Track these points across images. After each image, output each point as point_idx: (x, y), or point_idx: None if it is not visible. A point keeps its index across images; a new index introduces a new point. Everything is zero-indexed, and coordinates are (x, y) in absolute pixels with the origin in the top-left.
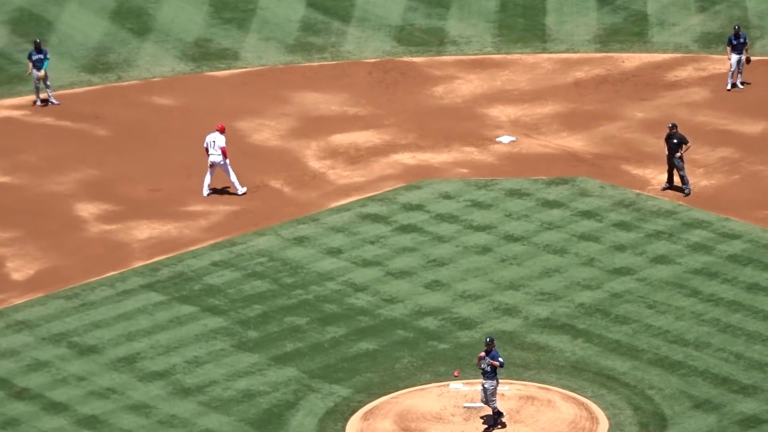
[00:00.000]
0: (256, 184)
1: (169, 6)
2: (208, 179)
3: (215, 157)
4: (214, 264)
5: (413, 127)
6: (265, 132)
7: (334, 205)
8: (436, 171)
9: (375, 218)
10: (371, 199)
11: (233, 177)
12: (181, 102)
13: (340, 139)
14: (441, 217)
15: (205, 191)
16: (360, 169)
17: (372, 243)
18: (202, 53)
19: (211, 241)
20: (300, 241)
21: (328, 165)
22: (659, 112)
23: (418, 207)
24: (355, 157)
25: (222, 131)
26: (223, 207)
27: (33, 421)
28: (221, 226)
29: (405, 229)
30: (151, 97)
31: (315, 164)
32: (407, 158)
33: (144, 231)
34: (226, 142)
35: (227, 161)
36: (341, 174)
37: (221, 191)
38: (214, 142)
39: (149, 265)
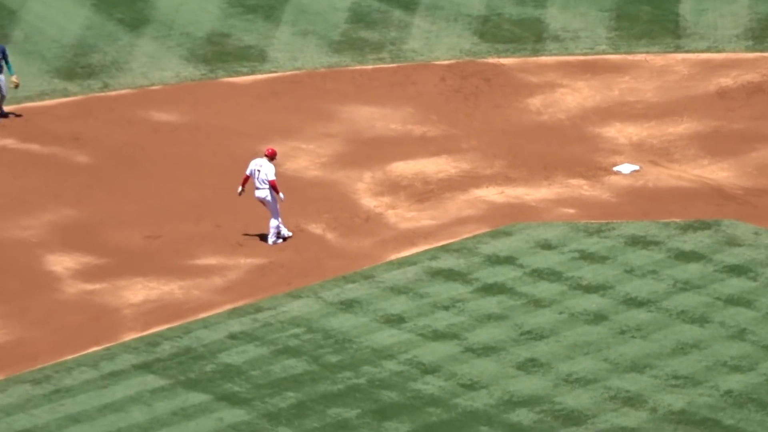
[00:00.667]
0: (291, 229)
1: None
2: (273, 222)
3: (262, 191)
4: (233, 337)
5: (501, 152)
6: (301, 159)
7: (394, 257)
8: (532, 211)
9: (450, 275)
10: (445, 249)
11: (275, 221)
12: (188, 118)
13: (403, 168)
14: (538, 274)
15: (272, 237)
16: (430, 209)
17: (446, 308)
18: (217, 53)
19: (229, 306)
20: (349, 305)
21: (386, 203)
22: None
23: (508, 260)
24: (423, 192)
25: (272, 157)
26: (244, 260)
27: None
28: (243, 286)
29: (490, 289)
30: (149, 111)
31: (369, 202)
32: (493, 194)
33: (138, 292)
34: (276, 173)
35: (276, 199)
36: (404, 215)
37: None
38: (258, 170)
39: (146, 338)
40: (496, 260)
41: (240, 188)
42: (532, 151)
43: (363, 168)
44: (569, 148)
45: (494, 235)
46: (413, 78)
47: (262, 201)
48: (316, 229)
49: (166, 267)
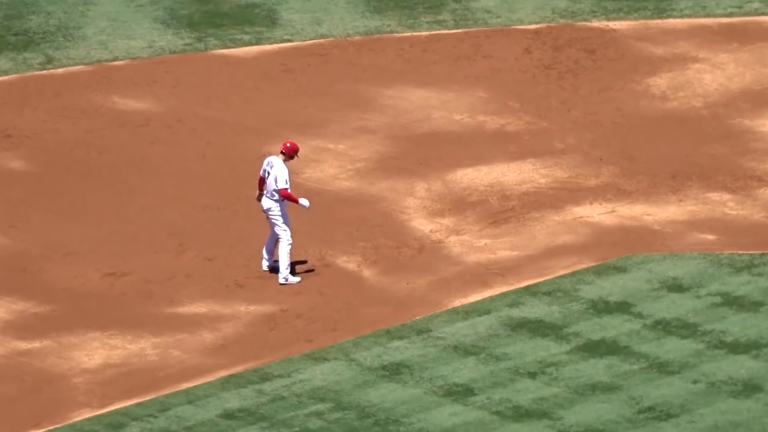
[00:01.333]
0: (312, 263)
1: None
2: (268, 240)
3: (267, 202)
4: (230, 416)
5: (611, 154)
6: (327, 164)
7: (459, 303)
8: (656, 238)
9: (538, 328)
10: (531, 291)
11: (284, 246)
12: (166, 107)
13: (472, 177)
14: (664, 327)
15: (264, 263)
16: (509, 235)
17: (532, 376)
18: (208, 14)
19: (224, 372)
20: (394, 371)
21: (447, 227)
22: None
23: (621, 307)
24: (501, 211)
25: (289, 155)
26: (246, 307)
27: None
28: (243, 344)
29: (595, 348)
30: (110, 97)
31: (423, 225)
32: (600, 214)
33: (95, 352)
34: (290, 179)
35: (281, 214)
36: (473, 244)
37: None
38: (268, 172)
39: (105, 417)
40: (603, 307)
41: (258, 193)
42: (654, 152)
43: (414, 177)
44: (708, 149)
45: (601, 271)
46: (486, 49)
47: (267, 214)
48: (348, 263)
49: (135, 317)
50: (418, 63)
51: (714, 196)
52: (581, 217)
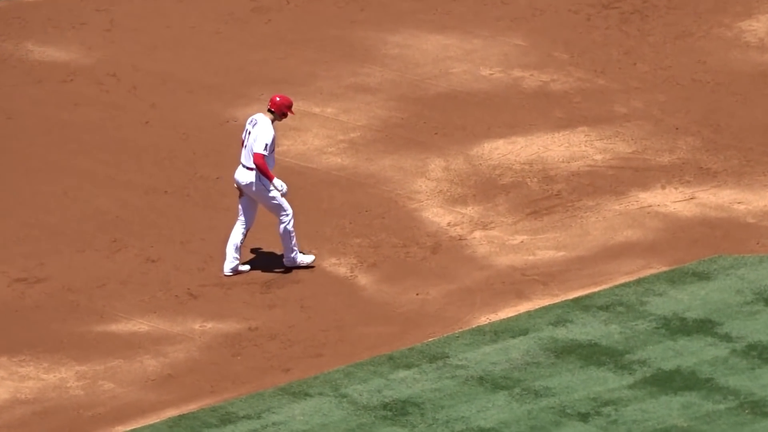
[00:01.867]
0: (290, 267)
1: None
2: (236, 232)
3: (243, 173)
4: None
5: (691, 122)
6: (312, 133)
7: (485, 319)
8: (750, 234)
9: (591, 354)
10: (582, 304)
11: (285, 227)
12: (96, 57)
13: (503, 151)
14: (760, 353)
15: (229, 264)
16: (553, 230)
17: (583, 417)
18: None
19: (173, 411)
20: (400, 411)
21: (471, 218)
22: None
23: (703, 326)
24: (542, 197)
25: (278, 112)
26: (202, 324)
27: None
28: (198, 374)
29: (668, 381)
30: (22, 43)
31: (438, 216)
32: (675, 201)
33: (2, 385)
34: (275, 142)
35: (274, 188)
36: (505, 242)
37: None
38: (249, 132)
39: None
40: (679, 327)
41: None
42: (748, 119)
43: (428, 151)
44: None
45: (676, 278)
46: None
47: (240, 189)
48: (338, 266)
49: (54, 337)
50: (434, 2)
51: None
52: (650, 205)
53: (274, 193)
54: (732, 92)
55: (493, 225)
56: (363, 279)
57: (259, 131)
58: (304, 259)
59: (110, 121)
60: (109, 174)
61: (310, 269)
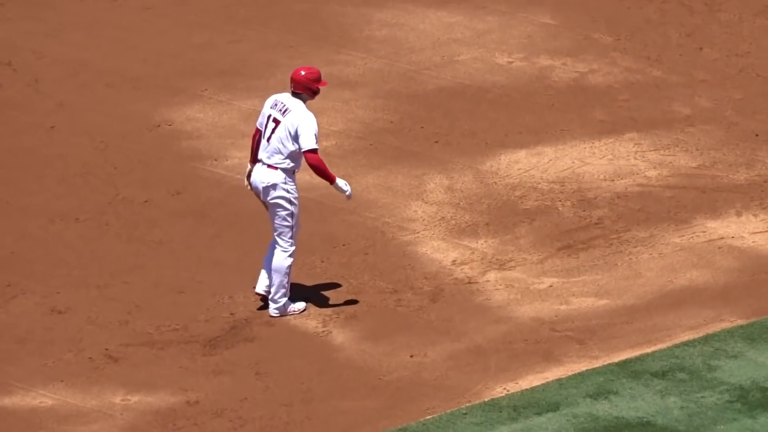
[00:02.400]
0: (244, 315)
1: None
2: (281, 260)
3: (265, 174)
4: None
5: None
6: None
7: (503, 390)
8: None
9: None
10: (630, 369)
11: (284, 259)
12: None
13: (526, 165)
14: None
15: (261, 284)
16: (593, 270)
17: None
18: None
19: None
20: None
21: (482, 254)
22: None
23: None
24: (578, 227)
25: (309, 88)
26: (124, 397)
27: None
28: None
29: None
30: None
31: (439, 252)
32: (754, 232)
33: None
34: (317, 139)
35: (338, 189)
36: (529, 285)
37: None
38: (275, 121)
39: None
40: (760, 400)
41: (249, 168)
42: None
43: (426, 165)
44: None
45: (756, 335)
46: None
47: (258, 194)
48: (306, 318)
49: None
50: None
51: None
52: (721, 237)
53: (290, 211)
54: None
55: (512, 264)
56: (339, 336)
57: (300, 121)
58: (295, 307)
59: (3, 126)
60: (1, 196)
61: (270, 324)
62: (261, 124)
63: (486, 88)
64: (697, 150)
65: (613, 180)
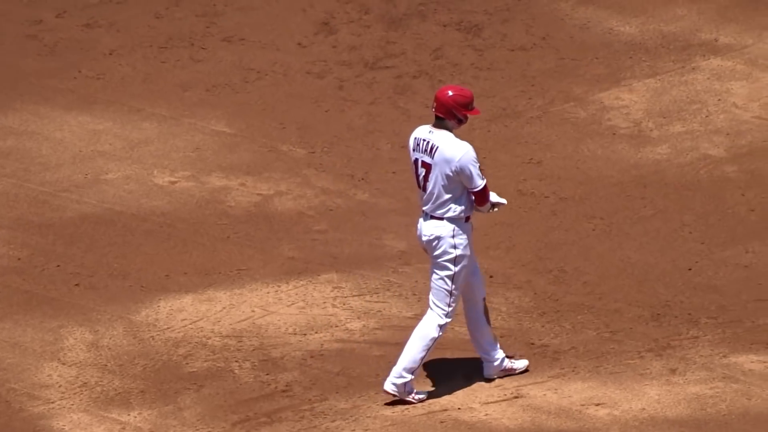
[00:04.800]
0: None
1: None
2: (471, 317)
3: (431, 227)
4: None
5: None
6: (103, 159)
7: None
8: None
9: None
10: None
11: (433, 325)
12: None
13: (189, 309)
14: None
15: (489, 367)
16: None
17: None
18: None
19: None
20: None
21: None
22: None
23: None
24: (259, 395)
25: (460, 112)
26: None
27: None
28: None
29: None
30: None
31: (79, 427)
32: None
33: None
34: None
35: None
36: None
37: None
38: (424, 163)
39: None
40: None
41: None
42: None
43: (61, 313)
44: None
45: None
46: None
47: (427, 250)
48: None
49: None
50: None
51: None
52: (445, 409)
53: (460, 268)
54: None
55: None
56: None
57: (459, 159)
58: (420, 396)
59: None
60: None
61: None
62: (413, 171)
63: (142, 215)
64: (414, 295)
65: (305, 334)
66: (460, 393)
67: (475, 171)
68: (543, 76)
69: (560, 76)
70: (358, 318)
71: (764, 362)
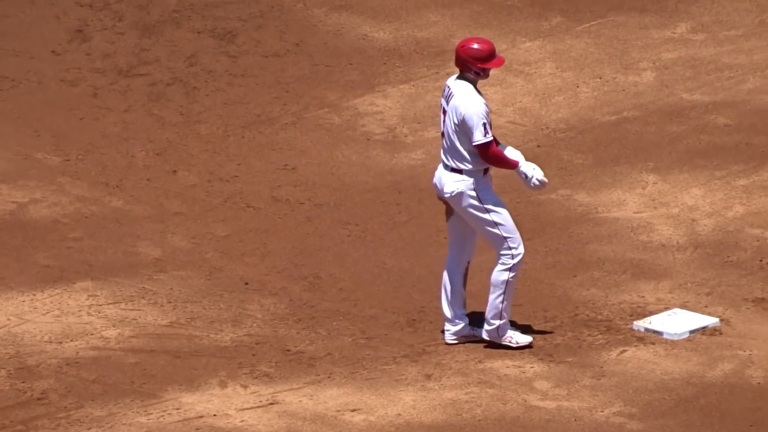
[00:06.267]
0: None
1: None
2: (448, 276)
3: (444, 178)
4: None
5: None
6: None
7: None
8: None
9: None
10: None
11: (506, 271)
12: None
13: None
14: None
15: (451, 330)
16: None
17: None
18: None
19: None
20: None
21: None
22: None
23: None
24: (15, 403)
25: (467, 68)
26: None
27: None
28: None
29: None
30: None
31: None
32: None
33: None
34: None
35: (524, 179)
36: None
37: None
38: (444, 109)
39: None
40: None
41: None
42: None
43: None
44: None
45: None
46: None
47: (444, 201)
48: None
49: None
50: None
51: None
52: (200, 416)
53: (495, 214)
54: None
55: None
56: None
57: (464, 109)
58: (518, 338)
59: None
60: None
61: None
62: (442, 119)
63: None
64: (170, 303)
65: (60, 342)
66: (215, 399)
67: (477, 124)
68: (297, 83)
69: (314, 83)
70: (114, 326)
71: (519, 367)
